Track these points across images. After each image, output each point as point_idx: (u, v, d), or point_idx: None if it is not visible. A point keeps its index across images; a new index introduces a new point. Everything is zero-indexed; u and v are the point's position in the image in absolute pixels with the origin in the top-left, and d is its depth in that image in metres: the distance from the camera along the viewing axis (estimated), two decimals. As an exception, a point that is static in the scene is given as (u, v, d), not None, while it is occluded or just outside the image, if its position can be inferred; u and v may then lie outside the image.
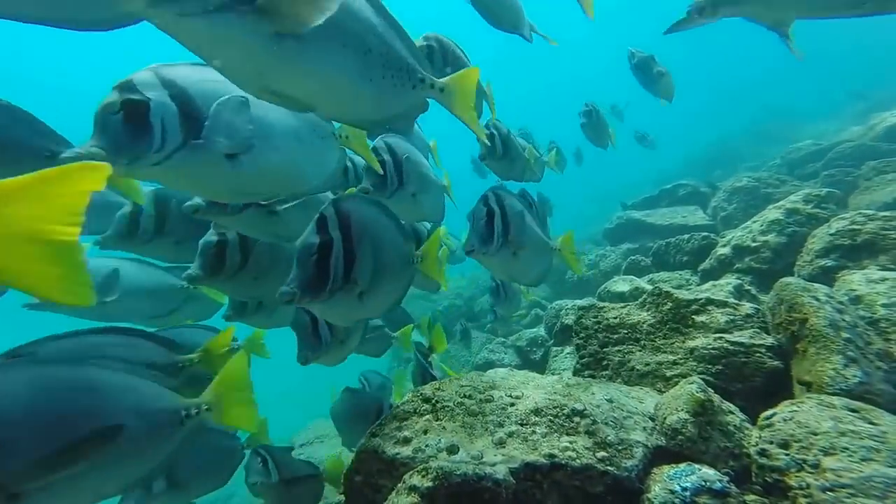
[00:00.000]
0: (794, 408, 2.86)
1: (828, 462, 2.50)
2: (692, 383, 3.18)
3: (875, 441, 2.52)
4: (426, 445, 2.92)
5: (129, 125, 2.26)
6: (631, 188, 16.60)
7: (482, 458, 2.78)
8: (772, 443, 2.74)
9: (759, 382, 3.57)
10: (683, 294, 4.20)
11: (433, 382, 3.66)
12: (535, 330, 9.30)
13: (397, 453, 2.93)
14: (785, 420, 2.80)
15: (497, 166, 5.60)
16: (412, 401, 3.35)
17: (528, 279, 4.49)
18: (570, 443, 2.86)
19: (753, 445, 2.85)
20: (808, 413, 2.78)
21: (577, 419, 3.03)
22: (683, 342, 3.93)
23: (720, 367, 3.68)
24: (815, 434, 2.63)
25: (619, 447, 2.87)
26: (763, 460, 2.73)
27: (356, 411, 5.02)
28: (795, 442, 2.66)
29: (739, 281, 5.45)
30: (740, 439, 2.96)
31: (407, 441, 3.00)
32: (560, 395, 3.27)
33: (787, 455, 2.65)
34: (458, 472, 2.57)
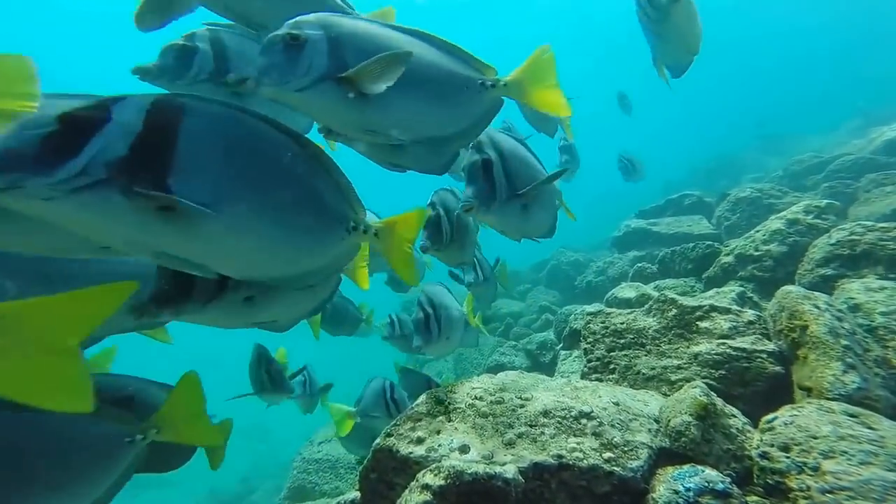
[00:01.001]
0: (795, 412, 2.86)
1: (827, 465, 2.50)
2: (695, 387, 3.18)
3: (874, 445, 2.52)
4: (438, 445, 2.92)
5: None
6: (637, 197, 16.59)
7: (493, 457, 2.78)
8: (773, 446, 2.74)
9: (760, 387, 3.57)
10: (688, 301, 4.20)
11: (446, 385, 3.66)
12: (544, 334, 9.33)
13: (411, 452, 2.94)
14: (786, 424, 2.79)
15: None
16: (426, 402, 3.36)
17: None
18: (578, 444, 2.86)
19: (755, 448, 2.85)
20: (809, 417, 2.78)
21: (584, 421, 3.03)
22: (688, 347, 3.92)
23: (723, 372, 3.68)
24: (815, 438, 2.63)
25: (625, 448, 2.87)
26: (764, 462, 2.73)
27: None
28: (796, 445, 2.66)
29: (742, 288, 5.46)
30: (742, 442, 2.96)
31: (420, 441, 3.00)
32: (568, 398, 3.28)
33: (787, 458, 2.65)
34: (470, 472, 2.57)
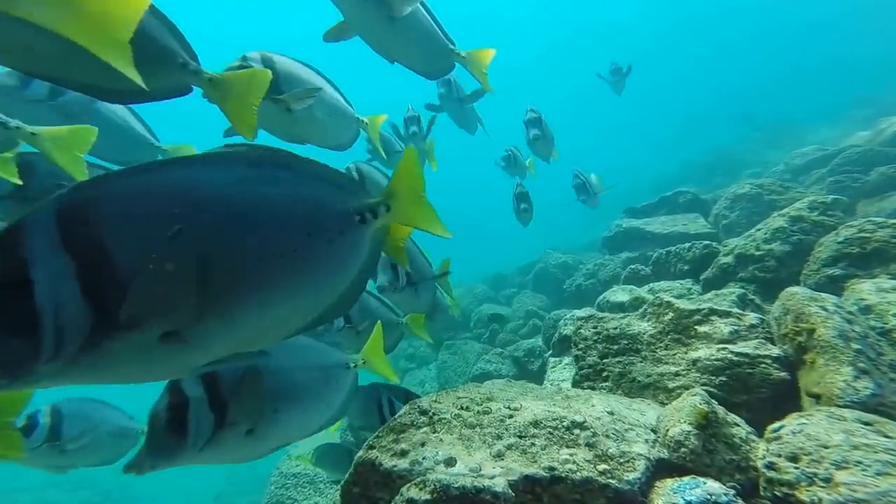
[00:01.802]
0: (804, 420, 2.85)
1: (841, 476, 2.48)
2: (695, 395, 3.17)
3: (891, 455, 2.50)
4: (423, 458, 2.90)
5: None
6: (628, 194, 16.59)
7: (480, 470, 2.76)
8: (780, 456, 2.73)
9: (764, 394, 3.56)
10: (685, 304, 4.19)
11: (430, 395, 3.65)
12: (532, 340, 9.32)
13: (394, 466, 2.91)
14: (794, 433, 2.78)
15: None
16: (409, 413, 3.34)
17: None
18: (571, 455, 2.84)
19: (761, 458, 2.84)
20: (818, 426, 2.77)
21: (577, 431, 3.02)
22: (686, 353, 3.92)
23: (724, 379, 3.67)
24: (826, 447, 2.62)
25: (621, 460, 2.86)
26: (772, 474, 2.72)
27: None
28: (805, 455, 2.64)
29: (743, 290, 5.46)
30: (747, 452, 2.95)
31: (404, 453, 2.97)
32: (559, 407, 3.26)
33: (796, 468, 2.63)
34: (456, 485, 2.56)
